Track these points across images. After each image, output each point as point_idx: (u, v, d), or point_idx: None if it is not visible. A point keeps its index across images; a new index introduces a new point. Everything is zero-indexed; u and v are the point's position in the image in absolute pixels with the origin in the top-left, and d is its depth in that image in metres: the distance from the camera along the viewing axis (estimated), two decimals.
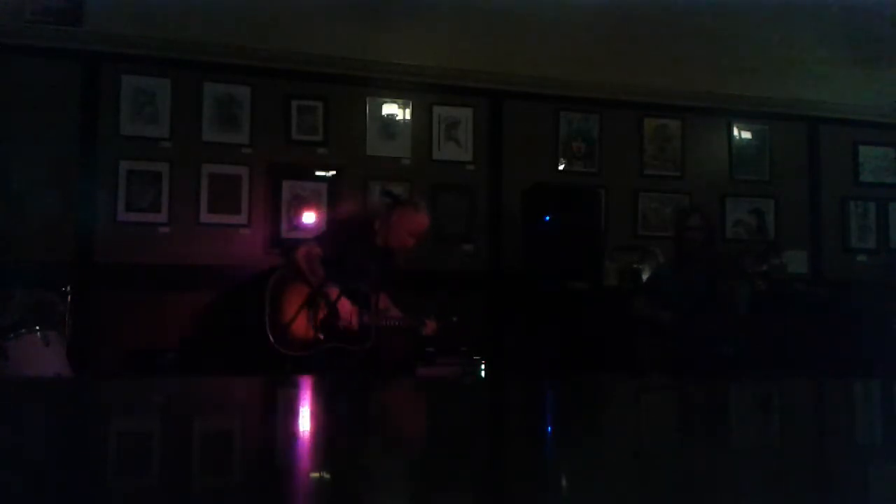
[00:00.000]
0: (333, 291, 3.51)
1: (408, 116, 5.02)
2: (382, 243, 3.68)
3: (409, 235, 3.70)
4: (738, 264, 3.95)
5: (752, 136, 5.74)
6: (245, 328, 3.83)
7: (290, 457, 0.94)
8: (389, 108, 5.00)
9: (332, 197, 4.78)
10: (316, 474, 0.84)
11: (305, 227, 4.65)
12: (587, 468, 0.88)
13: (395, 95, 5.01)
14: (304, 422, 1.27)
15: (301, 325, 3.49)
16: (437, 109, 5.08)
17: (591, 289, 4.70)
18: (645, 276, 5.00)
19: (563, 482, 0.83)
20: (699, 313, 3.74)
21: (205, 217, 4.61)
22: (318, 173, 4.82)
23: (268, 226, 4.70)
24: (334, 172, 4.82)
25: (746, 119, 5.71)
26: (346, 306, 3.56)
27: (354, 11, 4.79)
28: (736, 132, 5.71)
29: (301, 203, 4.75)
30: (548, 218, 4.72)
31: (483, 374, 4.51)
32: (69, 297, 3.92)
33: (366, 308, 3.60)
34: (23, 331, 3.39)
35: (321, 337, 3.50)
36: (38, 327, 3.42)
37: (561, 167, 5.29)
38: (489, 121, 5.17)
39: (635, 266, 5.11)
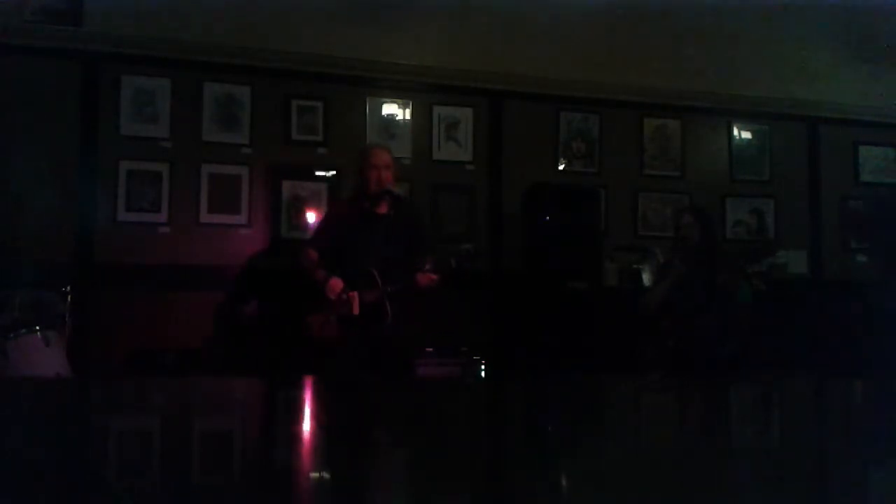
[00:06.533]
0: (337, 284, 3.42)
1: (408, 116, 5.02)
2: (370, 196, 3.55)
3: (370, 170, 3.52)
4: (738, 264, 3.94)
5: (752, 136, 5.74)
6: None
7: (288, 457, 0.94)
8: (389, 108, 5.00)
9: (332, 197, 4.77)
10: (316, 474, 0.84)
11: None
12: (588, 469, 0.88)
13: (395, 95, 5.01)
14: (305, 422, 1.27)
15: (322, 328, 3.47)
16: (437, 109, 5.07)
17: (591, 289, 4.71)
18: (645, 277, 5.00)
19: (564, 483, 0.83)
20: (699, 313, 3.74)
21: (205, 217, 4.61)
22: (318, 173, 4.82)
23: (268, 226, 4.70)
24: (334, 172, 4.82)
25: (746, 119, 5.71)
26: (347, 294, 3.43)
27: (354, 11, 4.79)
28: (736, 132, 5.71)
29: (301, 203, 4.74)
30: (548, 218, 4.73)
31: (483, 374, 4.51)
32: (69, 297, 3.91)
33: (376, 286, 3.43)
34: (23, 331, 3.39)
35: (340, 334, 3.45)
36: (38, 327, 3.42)
37: (561, 167, 5.29)
38: (489, 121, 5.17)
39: (635, 266, 5.12)
